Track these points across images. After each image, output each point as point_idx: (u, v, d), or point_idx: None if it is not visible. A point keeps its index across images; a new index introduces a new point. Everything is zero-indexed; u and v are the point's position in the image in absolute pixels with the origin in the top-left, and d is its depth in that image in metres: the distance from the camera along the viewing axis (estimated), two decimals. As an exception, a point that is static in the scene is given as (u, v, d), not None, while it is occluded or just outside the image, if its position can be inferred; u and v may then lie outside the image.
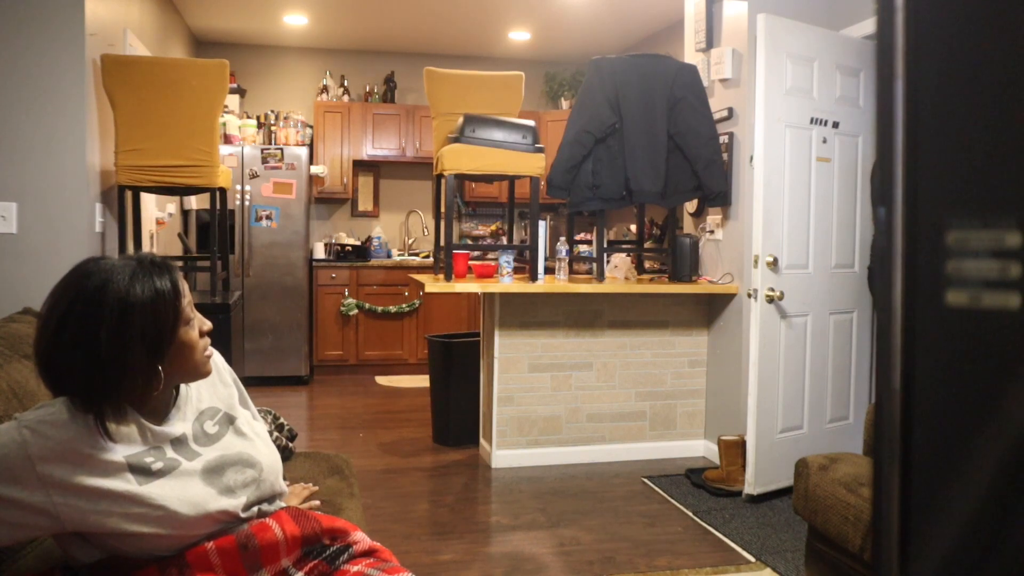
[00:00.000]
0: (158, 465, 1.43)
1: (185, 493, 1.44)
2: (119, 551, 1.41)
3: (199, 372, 1.50)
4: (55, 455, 1.33)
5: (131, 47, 4.24)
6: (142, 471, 1.41)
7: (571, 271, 4.48)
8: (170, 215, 5.52)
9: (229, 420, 1.59)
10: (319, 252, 6.91)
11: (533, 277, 4.13)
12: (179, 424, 1.50)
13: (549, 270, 4.45)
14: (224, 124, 6.13)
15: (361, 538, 1.59)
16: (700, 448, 4.44)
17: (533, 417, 4.22)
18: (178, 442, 1.48)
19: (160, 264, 1.42)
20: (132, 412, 1.43)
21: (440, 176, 4.14)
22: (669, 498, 3.69)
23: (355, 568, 1.52)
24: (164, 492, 1.41)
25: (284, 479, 1.70)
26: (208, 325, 1.52)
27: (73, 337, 1.32)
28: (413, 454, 4.46)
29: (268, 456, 1.60)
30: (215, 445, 1.53)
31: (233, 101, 6.56)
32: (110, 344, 1.32)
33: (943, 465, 0.59)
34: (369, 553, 1.58)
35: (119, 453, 1.39)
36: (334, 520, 1.60)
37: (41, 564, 1.77)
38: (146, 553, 1.42)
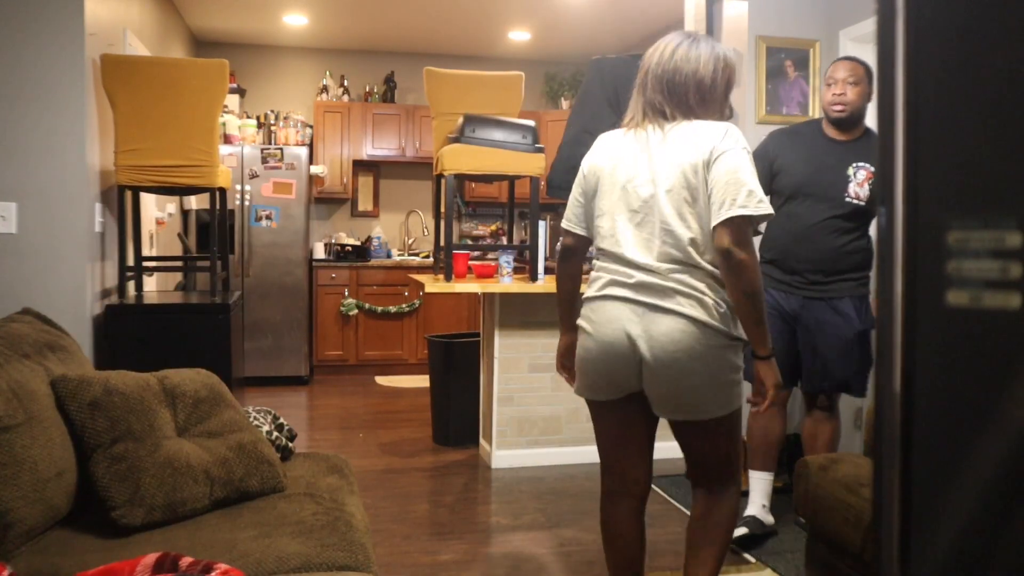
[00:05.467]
0: None
1: None
2: None
3: None
4: None
5: (131, 47, 4.24)
6: None
7: (571, 271, 4.47)
8: (170, 215, 5.52)
9: None
10: (319, 252, 6.91)
11: (533, 277, 4.12)
12: None
13: (549, 270, 4.44)
14: (224, 124, 6.13)
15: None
16: (700, 448, 4.44)
17: (533, 417, 4.22)
18: None
19: None
20: None
21: (440, 176, 4.14)
22: (669, 498, 3.69)
23: None
24: None
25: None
26: None
27: None
28: (413, 454, 4.46)
29: None
30: None
31: (233, 101, 6.56)
32: None
33: (943, 465, 0.58)
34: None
35: None
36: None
37: (32, 567, 1.77)
38: None
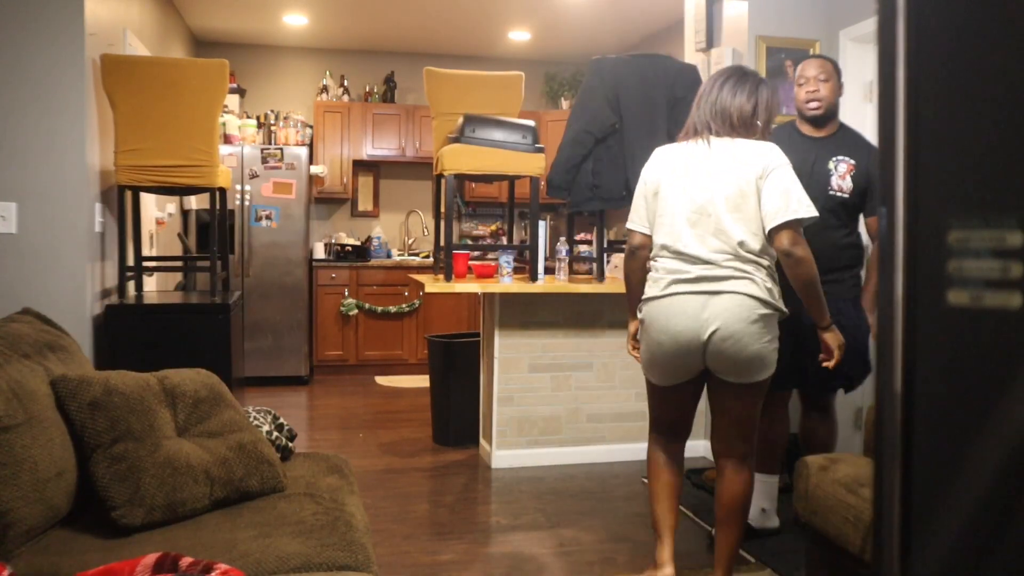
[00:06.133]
0: None
1: None
2: None
3: None
4: None
5: (131, 47, 4.24)
6: None
7: (571, 271, 4.48)
8: (170, 215, 5.52)
9: None
10: (319, 252, 6.91)
11: (533, 277, 4.12)
12: None
13: (549, 270, 4.44)
14: (224, 124, 6.13)
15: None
16: (700, 448, 4.44)
17: (533, 417, 4.22)
18: None
19: None
20: None
21: (440, 176, 4.14)
22: (669, 498, 3.69)
23: None
24: None
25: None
26: None
27: None
28: (413, 454, 4.46)
29: None
30: None
31: (233, 101, 6.56)
32: None
33: (943, 465, 0.58)
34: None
35: None
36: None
37: (32, 567, 1.77)
38: None
